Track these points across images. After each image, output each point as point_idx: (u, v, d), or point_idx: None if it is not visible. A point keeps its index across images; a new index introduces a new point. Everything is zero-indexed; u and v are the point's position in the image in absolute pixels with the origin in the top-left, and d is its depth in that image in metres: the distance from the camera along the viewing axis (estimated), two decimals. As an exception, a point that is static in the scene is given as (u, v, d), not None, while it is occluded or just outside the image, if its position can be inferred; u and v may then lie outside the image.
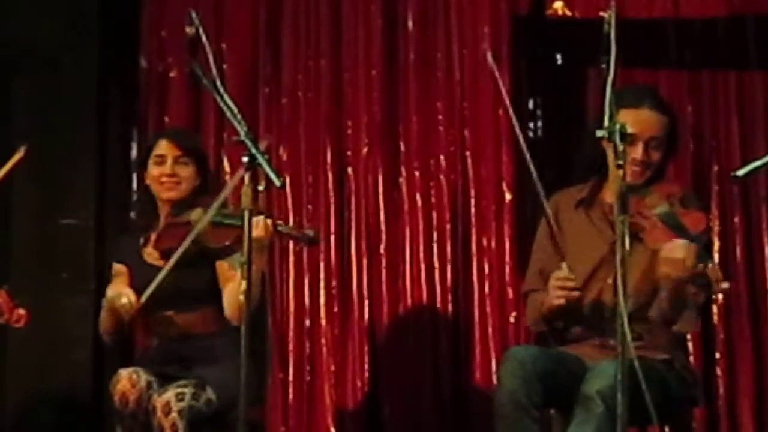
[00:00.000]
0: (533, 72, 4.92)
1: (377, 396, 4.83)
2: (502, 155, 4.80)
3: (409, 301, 4.84)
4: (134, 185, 4.86)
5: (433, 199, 4.87)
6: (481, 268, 4.80)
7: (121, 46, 5.08)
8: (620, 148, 3.15)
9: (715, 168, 4.83)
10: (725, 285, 3.34)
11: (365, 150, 4.91)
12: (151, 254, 4.06)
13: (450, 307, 4.82)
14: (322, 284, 4.89)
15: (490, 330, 4.76)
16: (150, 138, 4.36)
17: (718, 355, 4.75)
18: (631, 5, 4.61)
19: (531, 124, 4.95)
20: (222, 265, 3.96)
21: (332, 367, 4.85)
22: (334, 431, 4.81)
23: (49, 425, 4.84)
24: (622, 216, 3.12)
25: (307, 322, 4.88)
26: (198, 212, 3.91)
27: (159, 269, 3.89)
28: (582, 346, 3.75)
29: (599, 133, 3.19)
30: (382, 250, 4.87)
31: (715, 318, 4.75)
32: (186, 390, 3.79)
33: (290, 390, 4.87)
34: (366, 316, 4.85)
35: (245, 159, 3.34)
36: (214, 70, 3.41)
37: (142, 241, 4.11)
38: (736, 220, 4.79)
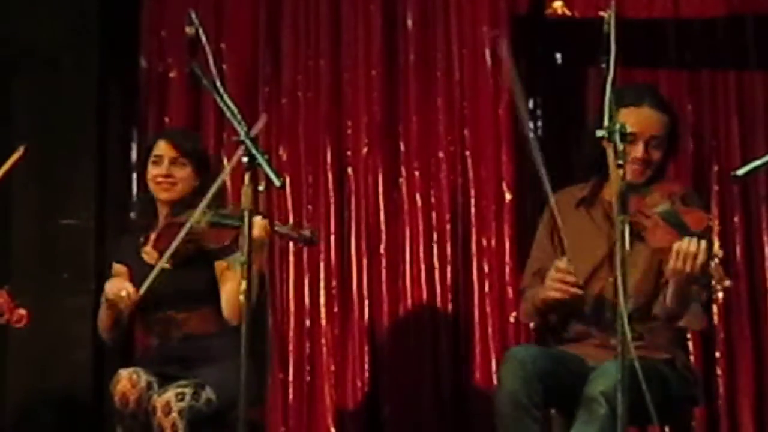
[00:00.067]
0: (533, 72, 4.91)
1: (377, 396, 4.83)
2: (502, 155, 4.80)
3: (409, 301, 4.84)
4: (134, 185, 4.86)
5: (433, 199, 4.87)
6: (481, 268, 4.80)
7: (121, 46, 5.08)
8: (620, 147, 3.15)
9: (715, 168, 4.84)
10: (728, 282, 3.34)
11: (365, 150, 4.91)
12: (149, 254, 4.06)
13: (450, 307, 4.82)
14: (322, 284, 4.89)
15: (490, 330, 4.76)
16: (150, 138, 4.37)
17: (718, 355, 4.75)
18: (630, 5, 4.61)
19: (531, 124, 4.94)
20: (220, 265, 3.97)
21: (332, 367, 4.85)
22: (334, 431, 4.81)
23: (49, 425, 4.84)
24: (621, 216, 3.12)
25: (307, 322, 4.88)
26: (196, 212, 3.91)
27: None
28: (582, 345, 3.75)
29: (599, 133, 3.19)
30: (382, 250, 4.87)
31: (716, 317, 4.75)
32: (186, 390, 3.79)
33: (290, 390, 4.87)
34: (366, 316, 4.85)
35: (245, 159, 3.34)
36: (214, 70, 3.41)
37: (141, 240, 4.11)
38: (736, 219, 4.79)
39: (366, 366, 4.83)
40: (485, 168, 4.82)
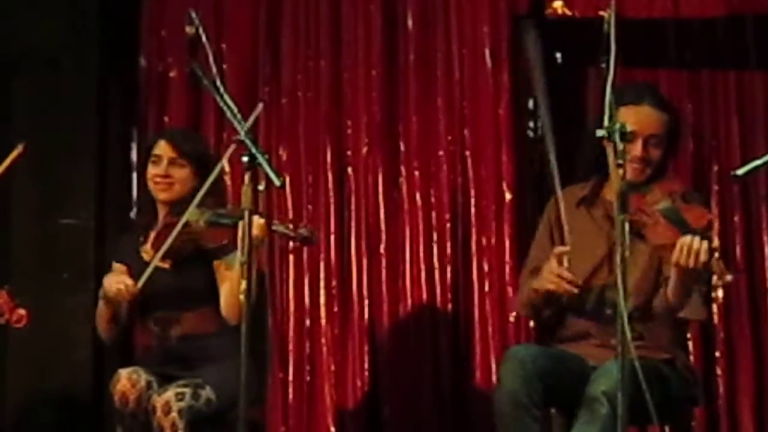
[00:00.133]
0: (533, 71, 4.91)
1: (377, 396, 4.83)
2: (502, 155, 4.80)
3: (409, 301, 4.84)
4: (134, 185, 4.86)
5: (433, 199, 4.87)
6: (481, 268, 4.80)
7: (121, 46, 5.08)
8: (620, 147, 3.15)
9: (715, 168, 4.83)
10: (729, 277, 3.35)
11: (365, 150, 4.91)
12: (149, 253, 4.05)
13: (450, 307, 4.82)
14: (322, 284, 4.89)
15: (490, 329, 4.76)
16: (150, 138, 4.37)
17: (718, 354, 4.75)
18: (630, 5, 4.61)
19: (531, 124, 4.95)
20: (219, 265, 3.97)
21: (332, 367, 4.85)
22: (334, 431, 4.81)
23: (49, 425, 4.84)
24: (621, 215, 3.12)
25: (307, 322, 4.88)
26: (195, 212, 3.91)
27: (157, 268, 3.90)
28: (583, 345, 3.75)
29: (599, 133, 3.20)
30: (382, 250, 4.87)
31: (716, 317, 4.75)
32: (186, 390, 3.79)
33: (290, 390, 4.87)
34: (366, 316, 4.85)
35: (245, 159, 3.35)
36: (214, 70, 3.41)
37: (141, 240, 4.11)
38: (736, 219, 4.79)
39: (366, 366, 4.83)
40: (485, 168, 4.82)
